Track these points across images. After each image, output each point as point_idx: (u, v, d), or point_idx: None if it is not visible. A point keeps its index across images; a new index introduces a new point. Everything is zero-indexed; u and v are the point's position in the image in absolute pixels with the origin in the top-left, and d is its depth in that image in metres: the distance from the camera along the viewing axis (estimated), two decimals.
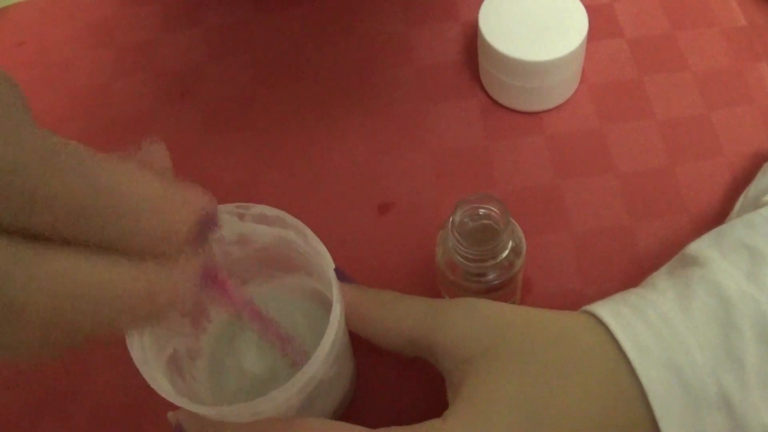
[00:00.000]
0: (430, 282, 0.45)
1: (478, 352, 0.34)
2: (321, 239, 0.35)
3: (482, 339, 0.34)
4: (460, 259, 0.38)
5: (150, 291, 0.23)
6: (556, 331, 0.35)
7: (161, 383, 0.33)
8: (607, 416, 0.33)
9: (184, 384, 0.37)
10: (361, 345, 0.40)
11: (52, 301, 0.20)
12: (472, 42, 0.55)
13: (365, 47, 0.57)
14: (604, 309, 0.35)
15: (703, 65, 0.54)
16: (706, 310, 0.33)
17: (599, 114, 0.52)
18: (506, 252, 0.38)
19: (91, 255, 0.21)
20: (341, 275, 0.37)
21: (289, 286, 0.43)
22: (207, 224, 0.25)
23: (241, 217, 0.37)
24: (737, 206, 0.43)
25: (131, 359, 0.33)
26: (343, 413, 0.42)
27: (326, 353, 0.33)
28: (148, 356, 0.34)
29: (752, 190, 0.42)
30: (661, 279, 0.37)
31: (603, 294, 0.37)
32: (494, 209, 0.38)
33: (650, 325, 0.33)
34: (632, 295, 0.36)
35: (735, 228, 0.37)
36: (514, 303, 0.42)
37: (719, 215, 0.47)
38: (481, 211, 0.38)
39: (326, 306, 0.34)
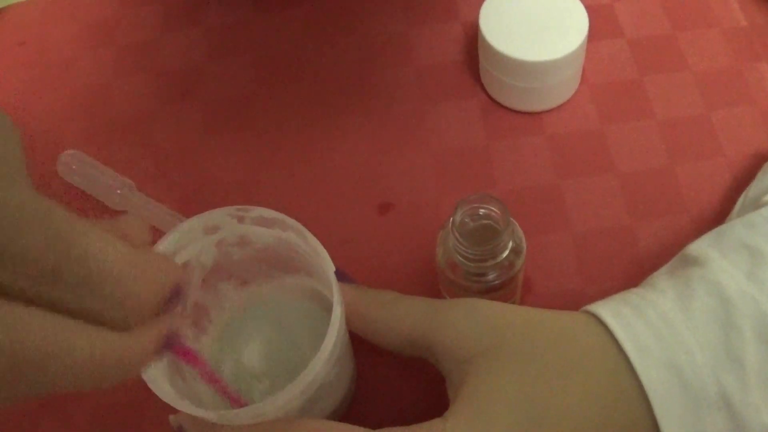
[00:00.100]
0: (431, 282, 0.45)
1: (478, 352, 0.34)
2: (321, 239, 0.35)
3: (482, 339, 0.34)
4: (461, 259, 0.38)
5: (108, 354, 0.23)
6: (557, 331, 0.35)
7: (162, 386, 0.33)
8: (608, 416, 0.33)
9: (185, 385, 0.37)
10: (361, 345, 0.40)
11: (26, 354, 0.20)
12: (472, 42, 0.55)
13: (365, 47, 0.57)
14: (604, 309, 0.35)
15: (704, 65, 0.54)
16: (706, 310, 0.33)
17: (599, 114, 0.52)
18: (506, 252, 0.38)
19: (55, 314, 0.21)
20: (342, 276, 0.37)
21: (290, 287, 0.43)
22: (175, 296, 0.26)
23: (241, 219, 0.37)
24: (737, 206, 0.43)
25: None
26: (344, 414, 0.42)
27: (327, 355, 0.33)
28: None
29: (752, 190, 0.42)
30: (661, 279, 0.37)
31: (603, 294, 0.37)
32: (494, 209, 0.38)
33: (650, 325, 0.33)
34: (632, 295, 0.36)
35: (735, 228, 0.37)
36: (514, 303, 0.42)
37: (719, 215, 0.47)
38: (482, 211, 0.38)
39: (327, 306, 0.35)
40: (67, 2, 0.64)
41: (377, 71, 0.56)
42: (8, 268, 0.20)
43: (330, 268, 0.35)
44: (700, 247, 0.37)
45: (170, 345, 0.27)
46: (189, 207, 0.47)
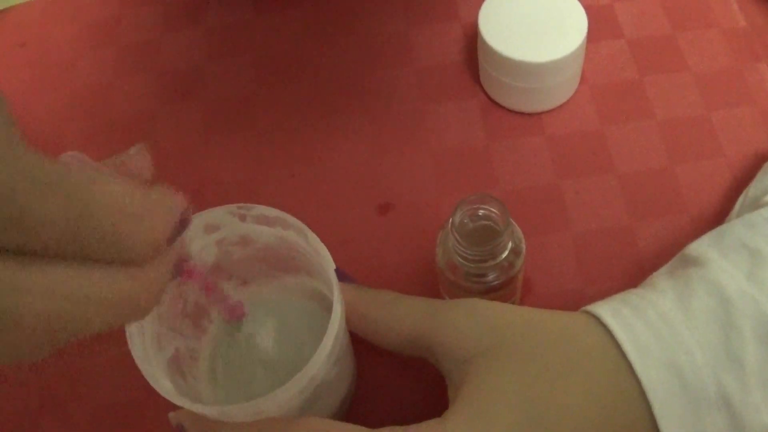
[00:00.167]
0: (431, 282, 0.45)
1: (478, 352, 0.34)
2: (321, 239, 0.35)
3: (482, 339, 0.34)
4: (460, 259, 0.38)
5: (133, 292, 0.24)
6: (557, 332, 0.35)
7: (162, 383, 0.33)
8: (607, 416, 0.33)
9: (185, 384, 0.37)
10: (361, 345, 0.40)
11: (46, 311, 0.21)
12: (472, 42, 0.55)
13: (365, 48, 0.57)
14: (604, 309, 0.35)
15: (704, 66, 0.54)
16: (706, 310, 0.33)
17: (599, 114, 0.52)
18: (506, 252, 0.38)
19: (78, 265, 0.22)
20: (342, 275, 0.37)
21: (291, 286, 0.43)
22: (181, 225, 0.27)
23: (242, 218, 0.37)
24: (737, 206, 0.43)
25: (133, 359, 0.33)
26: (344, 413, 0.42)
27: (327, 354, 0.33)
28: (149, 356, 0.34)
29: (752, 190, 0.42)
30: (661, 279, 0.37)
31: (603, 294, 0.38)
32: (494, 210, 0.38)
33: (650, 325, 0.33)
34: (632, 296, 0.36)
35: (735, 228, 0.37)
36: (514, 303, 0.42)
37: (719, 215, 0.47)
38: (481, 212, 0.38)
39: (327, 306, 0.35)
40: (68, 3, 0.64)
41: (377, 71, 0.56)
42: (29, 233, 0.20)
43: (330, 267, 0.35)
44: (699, 247, 0.37)
45: (180, 269, 0.29)
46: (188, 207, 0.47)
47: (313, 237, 0.35)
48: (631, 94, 0.53)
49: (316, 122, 0.54)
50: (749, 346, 0.32)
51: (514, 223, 0.39)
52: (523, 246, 0.40)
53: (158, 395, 0.32)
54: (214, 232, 0.37)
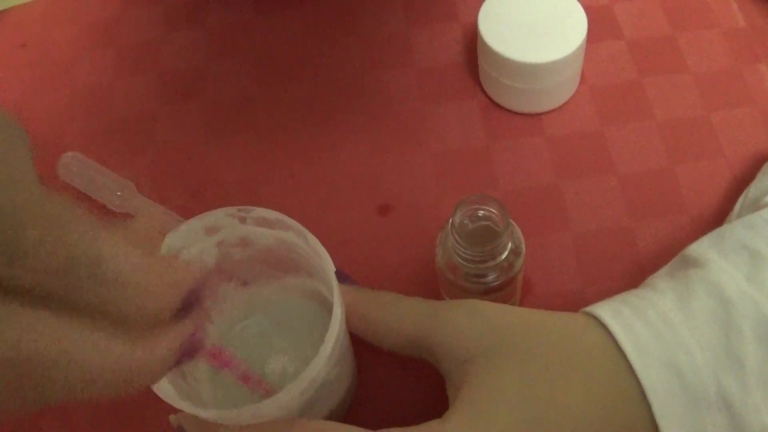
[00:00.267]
0: (431, 283, 0.45)
1: (478, 352, 0.34)
2: (322, 240, 0.35)
3: (483, 339, 0.34)
4: (460, 260, 0.38)
5: (123, 367, 0.22)
6: (557, 332, 0.35)
7: (163, 386, 0.33)
8: (608, 416, 0.33)
9: (186, 386, 0.37)
10: (361, 346, 0.40)
11: (18, 358, 0.20)
12: (472, 43, 0.55)
13: (366, 48, 0.57)
14: (604, 310, 0.35)
15: (703, 66, 0.54)
16: (706, 310, 0.33)
17: (599, 115, 0.52)
18: (506, 253, 0.38)
19: (69, 319, 0.21)
20: (342, 276, 0.37)
21: (291, 287, 0.43)
22: (193, 302, 0.25)
23: (242, 220, 0.37)
24: (737, 207, 0.43)
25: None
26: (344, 414, 0.42)
27: (327, 355, 0.33)
28: None
29: (752, 191, 0.42)
30: (661, 280, 0.37)
31: (603, 294, 0.38)
32: (494, 210, 0.38)
33: (650, 326, 0.33)
34: (632, 296, 0.36)
35: (735, 229, 0.37)
36: (514, 304, 0.42)
37: (719, 216, 0.47)
38: (481, 213, 0.38)
39: (328, 307, 0.35)
40: (68, 4, 0.64)
41: (377, 72, 0.56)
42: (19, 264, 0.20)
43: (330, 268, 0.35)
44: (699, 248, 0.37)
45: (194, 350, 0.26)
46: (190, 208, 0.47)
47: (312, 239, 0.35)
48: (630, 94, 0.53)
49: (317, 123, 0.54)
50: (749, 347, 0.32)
51: (513, 223, 0.39)
52: (523, 246, 0.40)
53: (159, 397, 0.32)
54: (214, 234, 0.37)
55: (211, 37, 0.60)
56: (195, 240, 0.37)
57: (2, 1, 0.64)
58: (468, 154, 0.51)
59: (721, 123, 0.51)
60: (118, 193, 0.49)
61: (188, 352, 0.26)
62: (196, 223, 0.36)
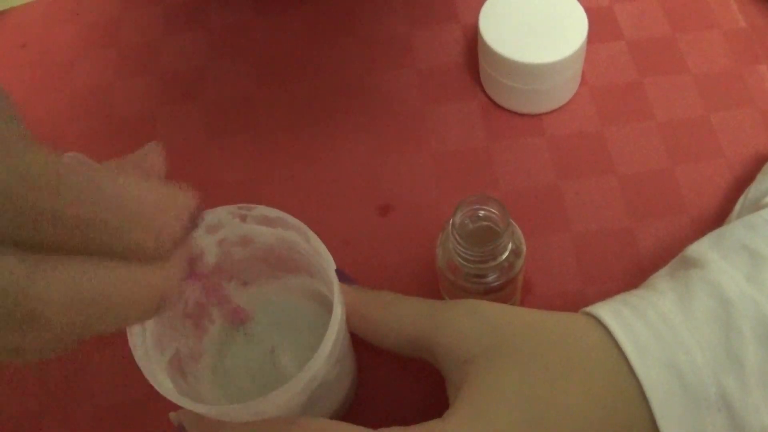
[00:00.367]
0: (431, 283, 0.45)
1: (478, 352, 0.34)
2: (322, 240, 0.35)
3: (483, 339, 0.34)
4: (460, 260, 0.38)
5: (149, 289, 0.24)
6: (557, 332, 0.35)
7: (163, 383, 0.33)
8: (608, 416, 0.33)
9: (186, 384, 0.37)
10: (362, 345, 0.40)
11: (67, 307, 0.22)
12: (472, 44, 0.55)
13: (366, 49, 0.57)
14: (604, 310, 0.35)
15: (703, 67, 0.54)
16: (706, 311, 0.33)
17: (599, 116, 0.52)
18: (506, 253, 0.38)
19: (95, 261, 0.23)
20: (342, 276, 0.37)
21: (292, 286, 0.43)
22: (192, 223, 0.27)
23: (243, 218, 0.37)
24: (737, 207, 0.43)
25: (134, 360, 0.33)
26: (345, 413, 0.42)
27: (327, 354, 0.33)
28: (150, 357, 0.34)
29: (752, 191, 0.42)
30: (661, 280, 0.37)
31: (603, 295, 0.38)
32: (494, 211, 0.38)
33: (650, 326, 0.33)
34: (632, 297, 0.36)
35: (735, 230, 0.37)
36: (514, 304, 0.42)
37: (719, 216, 0.47)
38: (481, 213, 0.38)
39: (328, 306, 0.35)
40: (69, 4, 0.64)
41: (378, 73, 0.56)
42: (46, 226, 0.21)
43: (331, 267, 0.35)
44: (700, 248, 0.37)
45: (194, 266, 0.29)
46: None
47: (314, 238, 0.35)
48: (631, 95, 0.53)
49: (317, 123, 0.54)
50: (749, 347, 0.32)
51: (514, 223, 0.39)
52: (524, 247, 0.40)
53: (159, 395, 0.32)
54: (215, 232, 0.37)
55: (211, 37, 0.60)
56: (195, 238, 0.37)
57: (2, 1, 0.64)
58: (468, 155, 0.51)
59: (721, 123, 0.51)
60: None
61: (190, 268, 0.29)
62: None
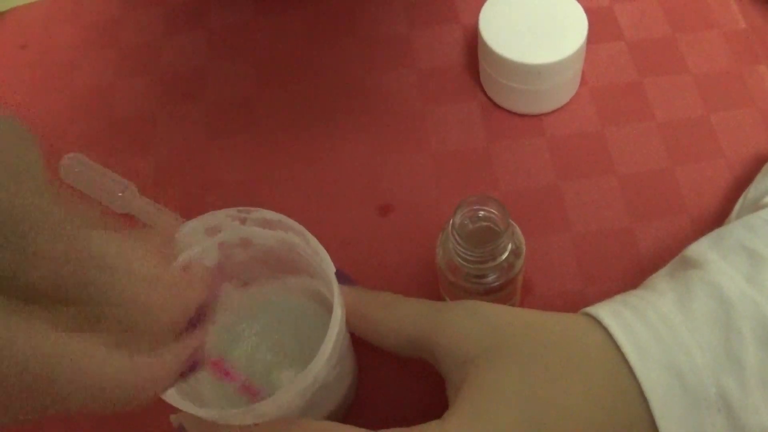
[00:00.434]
0: (431, 283, 0.45)
1: (478, 353, 0.34)
2: (322, 240, 0.36)
3: (483, 340, 0.34)
4: (460, 260, 0.38)
5: (126, 381, 0.22)
6: (557, 333, 0.35)
7: None
8: (608, 417, 0.33)
9: (187, 386, 0.37)
10: (362, 346, 0.40)
11: (37, 371, 0.20)
12: (472, 45, 0.55)
13: (366, 49, 0.57)
14: (603, 310, 0.35)
15: (703, 67, 0.54)
16: (706, 311, 0.33)
17: (600, 116, 0.52)
18: (506, 254, 0.38)
19: (73, 329, 0.21)
20: (342, 277, 0.38)
21: (292, 288, 0.43)
22: (200, 317, 0.25)
23: (243, 221, 0.37)
24: (736, 208, 0.43)
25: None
26: (345, 414, 0.42)
27: (327, 356, 0.33)
28: None
29: (752, 191, 0.42)
30: (660, 281, 0.37)
31: (603, 295, 0.38)
32: (494, 211, 0.38)
33: (650, 327, 0.33)
34: (632, 297, 0.36)
35: (734, 230, 0.37)
36: (514, 304, 0.42)
37: (719, 217, 0.47)
38: (481, 213, 0.38)
39: (328, 307, 0.35)
40: (69, 5, 0.64)
41: (378, 73, 0.56)
42: (25, 269, 0.20)
43: (330, 269, 0.35)
44: (699, 249, 0.37)
45: (198, 364, 0.26)
46: (190, 209, 0.47)
47: (312, 239, 0.35)
48: (631, 95, 0.53)
49: (317, 123, 0.54)
50: (749, 348, 0.32)
51: (514, 224, 0.39)
52: (524, 247, 0.40)
53: (160, 397, 0.32)
54: (215, 234, 0.37)
55: (211, 37, 0.60)
56: (196, 241, 0.37)
57: (3, 2, 0.64)
58: (468, 155, 0.51)
59: (721, 124, 0.51)
60: (120, 195, 0.50)
61: (192, 365, 0.26)
62: (197, 224, 0.36)
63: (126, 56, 0.60)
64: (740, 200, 0.43)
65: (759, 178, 0.43)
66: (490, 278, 0.39)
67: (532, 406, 0.32)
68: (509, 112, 0.53)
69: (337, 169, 0.52)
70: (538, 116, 0.52)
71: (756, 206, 0.40)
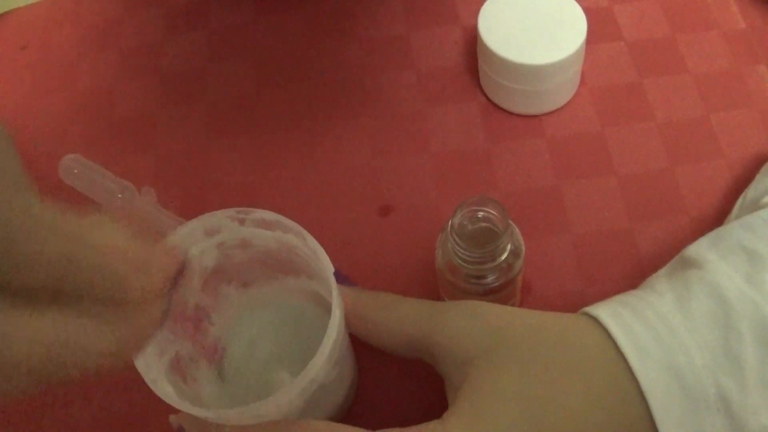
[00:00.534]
0: (431, 284, 0.45)
1: (478, 353, 0.34)
2: (322, 241, 0.36)
3: (482, 340, 0.34)
4: (460, 261, 0.38)
5: (119, 340, 0.24)
6: (556, 333, 0.35)
7: (163, 387, 0.33)
8: (607, 417, 0.33)
9: (186, 387, 0.37)
10: (361, 346, 0.40)
11: (32, 355, 0.22)
12: (472, 45, 0.55)
13: (366, 50, 0.58)
14: (603, 311, 0.35)
15: (703, 68, 0.54)
16: (705, 311, 0.33)
17: (599, 117, 0.52)
18: (505, 254, 0.38)
19: (67, 310, 0.23)
20: (342, 278, 0.38)
21: (291, 289, 0.43)
22: (175, 282, 0.27)
23: (242, 222, 0.37)
24: (736, 208, 0.43)
25: (133, 363, 0.33)
26: (344, 415, 0.42)
27: (326, 357, 0.33)
28: (149, 360, 0.34)
29: (751, 192, 0.42)
30: (660, 281, 0.37)
31: (603, 296, 0.38)
32: (493, 212, 0.38)
33: (649, 327, 0.33)
34: (631, 297, 0.36)
35: (734, 230, 0.37)
36: (513, 305, 0.42)
37: (719, 217, 0.47)
38: (481, 214, 0.38)
39: (328, 308, 0.35)
40: (69, 6, 0.64)
41: (378, 74, 0.56)
42: (22, 271, 0.21)
43: (329, 270, 0.35)
44: (698, 249, 0.37)
45: (175, 314, 0.30)
46: (190, 209, 0.47)
47: (311, 240, 0.35)
48: (630, 96, 0.53)
49: (317, 124, 0.54)
50: (748, 348, 0.32)
51: (513, 225, 0.39)
52: (523, 248, 0.40)
53: (160, 398, 0.32)
54: (214, 235, 0.37)
55: (211, 38, 0.60)
56: (195, 241, 0.37)
57: (3, 3, 0.64)
58: (468, 156, 0.51)
59: (721, 124, 0.51)
60: (119, 196, 0.50)
61: (171, 315, 0.28)
62: (196, 224, 0.36)
63: (126, 57, 0.60)
64: (740, 200, 0.43)
65: (758, 178, 0.43)
66: (490, 279, 0.39)
67: (531, 406, 0.32)
68: (509, 112, 0.53)
69: (337, 170, 0.52)
70: (538, 117, 0.52)
71: (755, 206, 0.40)
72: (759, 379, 0.32)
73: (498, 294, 0.40)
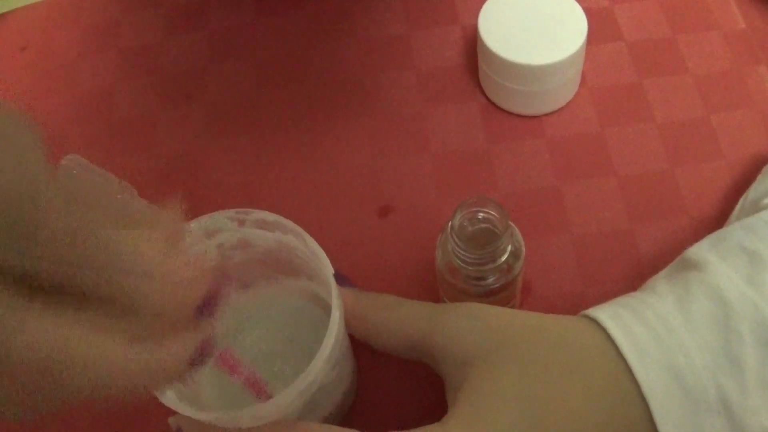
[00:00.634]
0: (431, 285, 0.45)
1: (478, 355, 0.34)
2: (321, 242, 0.36)
3: (482, 342, 0.34)
4: (460, 262, 0.38)
5: (139, 371, 0.22)
6: (556, 334, 0.35)
7: (163, 390, 0.33)
8: (607, 419, 0.33)
9: (185, 388, 0.37)
10: (361, 348, 0.40)
11: (39, 359, 0.20)
12: (472, 46, 0.55)
13: (366, 51, 0.58)
14: (603, 312, 0.35)
15: (703, 68, 0.54)
16: (705, 313, 0.33)
17: (599, 117, 0.52)
18: (505, 255, 0.38)
19: (88, 319, 0.21)
20: (341, 279, 0.38)
21: (291, 289, 0.43)
22: (208, 305, 0.25)
23: (241, 223, 0.37)
24: (736, 209, 0.43)
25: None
26: (344, 417, 0.42)
27: (325, 358, 0.33)
28: None
29: (752, 193, 0.42)
30: (660, 283, 0.37)
31: (603, 297, 0.38)
32: (493, 213, 0.38)
33: (649, 328, 0.33)
34: (631, 299, 0.36)
35: (734, 232, 0.37)
36: (513, 306, 0.42)
37: (719, 218, 0.47)
38: (481, 215, 0.38)
39: (328, 309, 0.35)
40: (70, 6, 0.64)
41: (377, 74, 0.56)
42: (33, 254, 0.20)
43: (329, 271, 0.35)
44: (699, 250, 0.37)
45: (207, 354, 0.25)
46: (190, 209, 0.47)
47: (311, 241, 0.35)
48: (630, 96, 0.53)
49: (317, 125, 0.54)
50: (749, 350, 0.32)
51: (513, 225, 0.39)
52: (523, 249, 0.40)
53: (159, 400, 0.32)
54: (214, 236, 0.37)
55: (212, 39, 0.60)
56: (195, 242, 0.37)
57: (3, 3, 0.64)
58: (468, 156, 0.51)
59: (721, 125, 0.51)
60: (119, 196, 0.49)
61: (201, 355, 0.25)
62: (196, 225, 0.36)
63: (126, 57, 0.60)
64: (740, 201, 0.43)
65: (759, 179, 0.43)
66: (490, 280, 0.39)
67: (531, 408, 0.32)
68: (509, 113, 0.53)
69: (337, 171, 0.52)
70: (538, 117, 0.52)
71: (756, 207, 0.40)
72: (759, 381, 0.32)
73: (498, 295, 0.40)
